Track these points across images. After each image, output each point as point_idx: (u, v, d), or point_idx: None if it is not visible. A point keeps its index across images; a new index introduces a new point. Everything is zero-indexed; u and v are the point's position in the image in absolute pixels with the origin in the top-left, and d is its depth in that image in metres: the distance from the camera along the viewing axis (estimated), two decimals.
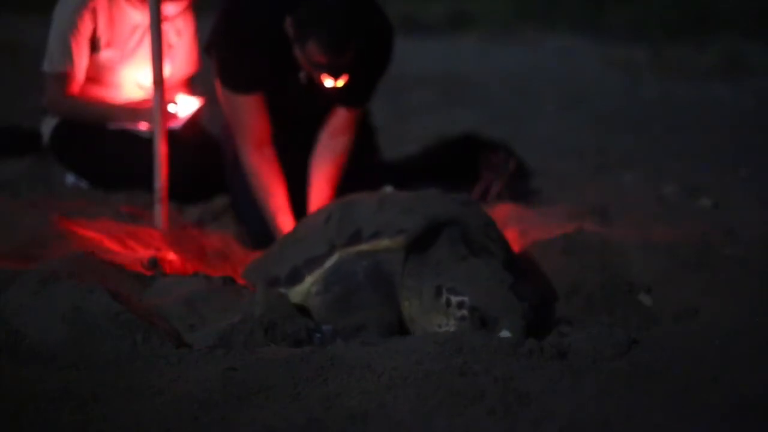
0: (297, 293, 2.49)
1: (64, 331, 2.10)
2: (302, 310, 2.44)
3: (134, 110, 3.62)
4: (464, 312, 2.16)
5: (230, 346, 2.13)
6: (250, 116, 3.24)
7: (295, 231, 2.73)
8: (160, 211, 3.19)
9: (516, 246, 2.88)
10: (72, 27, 3.49)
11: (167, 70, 3.49)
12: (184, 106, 3.64)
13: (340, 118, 3.34)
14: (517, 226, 3.19)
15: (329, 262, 2.45)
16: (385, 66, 3.35)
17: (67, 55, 3.51)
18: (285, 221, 3.21)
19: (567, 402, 1.65)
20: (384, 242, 2.39)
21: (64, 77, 3.54)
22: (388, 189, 2.76)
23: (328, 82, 3.03)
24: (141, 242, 3.01)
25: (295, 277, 2.49)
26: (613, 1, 9.70)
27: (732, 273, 2.64)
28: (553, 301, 2.61)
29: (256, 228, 3.30)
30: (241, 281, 2.75)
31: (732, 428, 1.55)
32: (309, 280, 2.47)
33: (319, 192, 3.29)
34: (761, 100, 6.51)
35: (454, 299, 2.18)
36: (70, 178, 3.78)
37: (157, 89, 3.12)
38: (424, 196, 2.55)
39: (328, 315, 2.38)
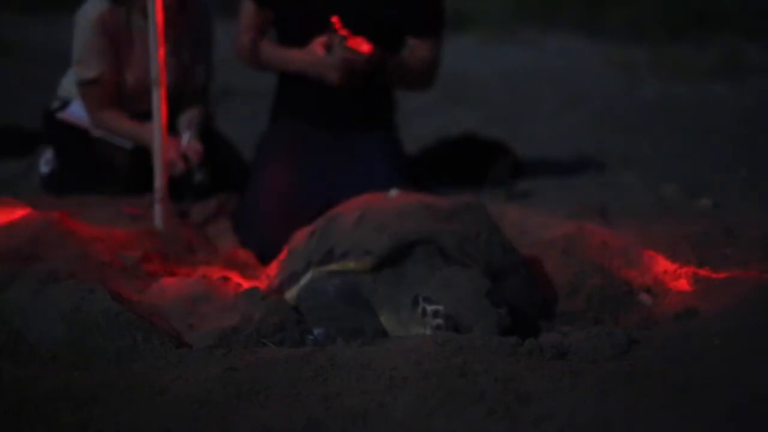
0: None
1: (64, 331, 2.10)
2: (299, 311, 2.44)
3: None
4: (439, 321, 2.17)
5: (230, 346, 2.13)
6: (248, 18, 3.49)
7: (294, 240, 2.75)
8: (160, 211, 3.19)
9: (516, 246, 2.88)
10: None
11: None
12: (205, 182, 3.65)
13: (417, 48, 3.49)
14: (517, 226, 3.19)
15: (304, 279, 2.48)
16: None
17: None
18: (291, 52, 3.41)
19: (567, 402, 1.65)
20: (350, 264, 2.41)
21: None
22: (393, 192, 2.76)
23: None
24: (141, 242, 3.01)
25: (279, 291, 2.53)
26: (613, 1, 9.68)
27: (732, 273, 2.64)
28: (546, 303, 2.60)
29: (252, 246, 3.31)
30: (240, 281, 2.76)
31: (732, 428, 1.55)
32: (287, 296, 2.50)
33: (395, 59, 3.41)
34: (761, 100, 6.50)
35: (429, 308, 2.18)
36: (44, 168, 3.79)
37: (156, 89, 3.12)
38: (405, 210, 2.54)
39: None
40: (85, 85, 3.57)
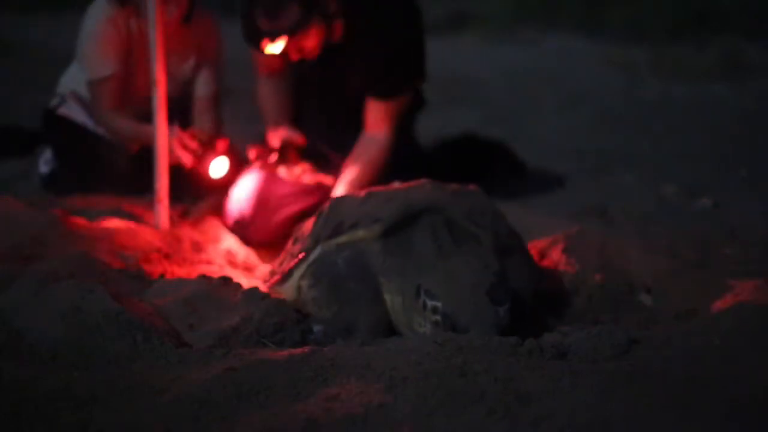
0: (288, 289, 2.51)
1: (64, 331, 2.10)
2: (299, 310, 2.44)
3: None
4: (437, 318, 2.17)
5: (230, 346, 2.13)
6: (263, 61, 3.51)
7: (298, 229, 2.77)
8: (161, 211, 3.19)
9: None
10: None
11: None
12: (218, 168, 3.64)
13: (373, 110, 3.27)
14: (517, 226, 3.19)
15: (313, 255, 2.48)
16: (409, 47, 3.24)
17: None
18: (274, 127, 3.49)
19: (567, 402, 1.65)
20: (360, 232, 2.41)
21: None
22: (396, 185, 2.77)
23: (268, 48, 3.06)
24: (141, 242, 3.00)
25: (287, 275, 2.52)
26: (613, 1, 9.68)
27: (732, 273, 2.64)
28: (546, 292, 2.61)
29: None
30: (240, 281, 2.75)
31: (732, 428, 1.55)
32: (296, 275, 2.49)
33: (343, 187, 3.24)
34: (761, 100, 6.50)
35: (429, 303, 2.19)
36: (44, 168, 3.79)
37: (156, 89, 3.12)
38: (413, 187, 2.56)
39: (319, 310, 2.40)
40: (95, 84, 3.56)
